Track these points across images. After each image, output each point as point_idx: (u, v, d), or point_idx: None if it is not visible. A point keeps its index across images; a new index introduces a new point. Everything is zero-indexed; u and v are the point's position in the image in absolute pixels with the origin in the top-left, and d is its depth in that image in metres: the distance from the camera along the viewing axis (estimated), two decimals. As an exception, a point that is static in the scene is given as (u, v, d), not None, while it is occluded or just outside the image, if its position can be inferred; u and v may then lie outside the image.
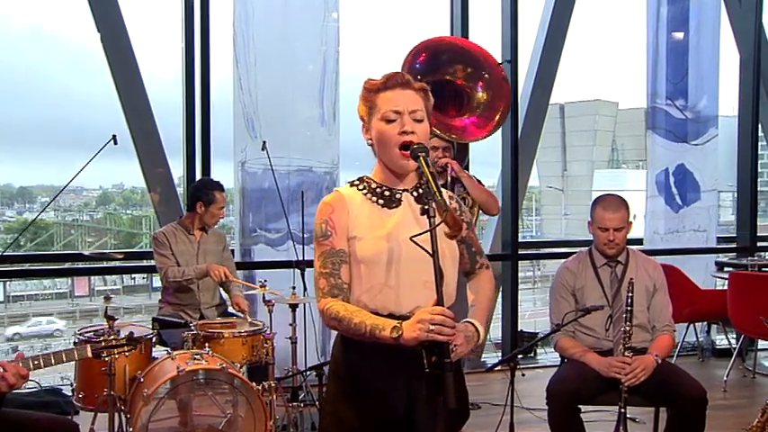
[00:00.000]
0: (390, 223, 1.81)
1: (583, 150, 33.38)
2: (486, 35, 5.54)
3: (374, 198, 1.85)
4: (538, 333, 5.52)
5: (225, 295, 4.09)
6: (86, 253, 5.42)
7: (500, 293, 5.49)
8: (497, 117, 3.86)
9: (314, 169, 4.98)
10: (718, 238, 6.16)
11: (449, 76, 3.88)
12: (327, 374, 2.05)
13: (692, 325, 5.45)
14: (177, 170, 4.97)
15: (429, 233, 1.64)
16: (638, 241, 5.93)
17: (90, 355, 2.26)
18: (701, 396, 2.81)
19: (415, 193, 1.88)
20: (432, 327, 1.61)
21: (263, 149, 4.20)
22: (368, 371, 1.79)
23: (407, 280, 1.78)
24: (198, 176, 4.69)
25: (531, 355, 5.48)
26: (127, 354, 2.46)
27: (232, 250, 4.84)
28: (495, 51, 5.35)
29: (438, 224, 1.65)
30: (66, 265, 5.63)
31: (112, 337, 2.38)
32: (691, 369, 5.13)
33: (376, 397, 1.78)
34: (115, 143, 3.58)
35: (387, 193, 1.86)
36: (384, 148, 1.82)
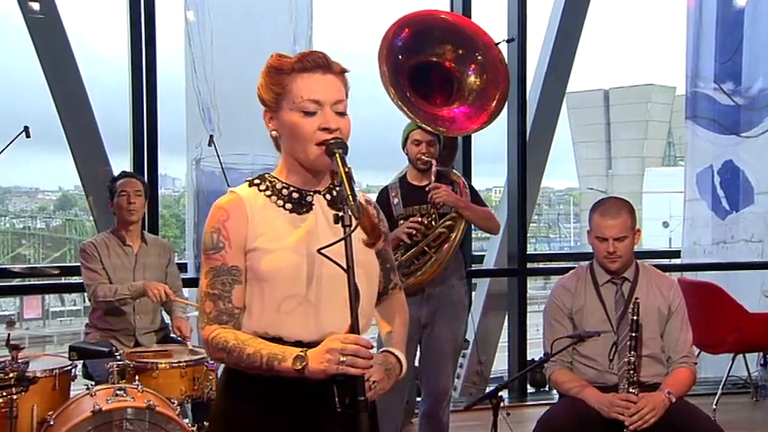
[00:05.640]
0: (300, 232, 1.78)
1: (632, 144, 33.25)
2: (489, 9, 5.50)
3: (280, 201, 1.82)
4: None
5: (168, 319, 4.07)
6: (17, 269, 5.43)
7: (506, 316, 5.46)
8: (492, 106, 3.82)
9: (282, 168, 4.97)
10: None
11: (435, 58, 3.85)
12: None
13: (740, 356, 5.35)
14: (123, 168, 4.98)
15: (343, 244, 1.62)
16: (676, 254, 5.87)
17: None
18: (721, 443, 2.76)
19: (328, 196, 1.85)
20: (343, 358, 1.59)
21: (209, 145, 4.20)
22: (261, 418, 1.75)
23: (321, 301, 1.75)
24: (146, 176, 4.69)
25: (546, 389, 5.43)
26: (15, 395, 2.41)
27: (184, 264, 4.85)
28: (500, 28, 5.33)
29: (351, 232, 1.63)
30: (16, 282, 5.61)
31: (-3, 376, 2.34)
32: (741, 411, 5.14)
33: None
34: (27, 136, 3.60)
35: (295, 195, 1.83)
36: (297, 143, 1.78)
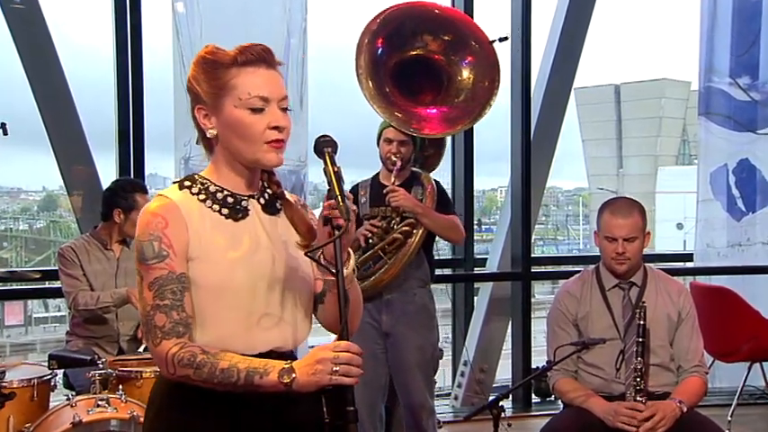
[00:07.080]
0: (245, 241, 1.77)
1: (644, 142, 33.26)
2: (492, 3, 5.52)
3: (216, 206, 1.78)
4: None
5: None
6: (-4, 273, 5.42)
7: (509, 322, 5.46)
8: (477, 112, 3.79)
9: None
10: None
11: (419, 50, 3.84)
12: None
13: (757, 365, 5.33)
14: (108, 167, 4.98)
15: (328, 247, 1.65)
16: (689, 257, 5.85)
17: None
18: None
19: (261, 200, 1.84)
20: (336, 367, 1.60)
21: (198, 143, 4.18)
22: None
23: (271, 311, 1.77)
24: (132, 175, 4.69)
25: (552, 398, 5.43)
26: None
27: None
28: (503, 24, 5.34)
29: (341, 233, 1.64)
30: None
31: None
32: (758, 423, 5.12)
33: None
34: (5, 133, 3.57)
35: (230, 200, 1.79)
36: (243, 142, 1.75)
